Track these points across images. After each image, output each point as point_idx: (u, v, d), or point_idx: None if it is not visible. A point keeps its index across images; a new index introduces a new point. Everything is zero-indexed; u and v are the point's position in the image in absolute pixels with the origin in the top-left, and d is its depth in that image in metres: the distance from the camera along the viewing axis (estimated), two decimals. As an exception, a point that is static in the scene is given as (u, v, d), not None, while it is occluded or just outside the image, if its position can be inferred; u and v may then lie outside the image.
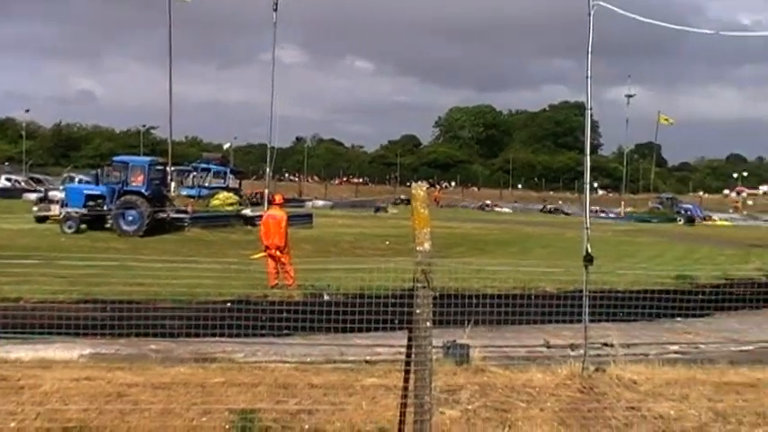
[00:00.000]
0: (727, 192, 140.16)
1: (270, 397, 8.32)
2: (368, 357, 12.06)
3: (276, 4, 45.06)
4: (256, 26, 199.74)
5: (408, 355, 6.59)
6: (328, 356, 12.47)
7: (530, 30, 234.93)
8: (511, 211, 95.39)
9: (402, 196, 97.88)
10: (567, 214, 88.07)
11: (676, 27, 12.95)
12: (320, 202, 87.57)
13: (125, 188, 33.43)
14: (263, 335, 13.66)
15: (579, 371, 9.38)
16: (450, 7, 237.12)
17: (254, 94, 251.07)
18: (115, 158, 38.08)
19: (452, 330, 11.08)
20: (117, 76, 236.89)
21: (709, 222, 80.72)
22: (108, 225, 32.84)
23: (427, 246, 6.41)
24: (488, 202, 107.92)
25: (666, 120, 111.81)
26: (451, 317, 11.80)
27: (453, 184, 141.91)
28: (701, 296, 17.89)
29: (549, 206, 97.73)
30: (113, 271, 15.14)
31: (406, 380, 6.61)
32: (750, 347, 15.17)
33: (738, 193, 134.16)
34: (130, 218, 32.20)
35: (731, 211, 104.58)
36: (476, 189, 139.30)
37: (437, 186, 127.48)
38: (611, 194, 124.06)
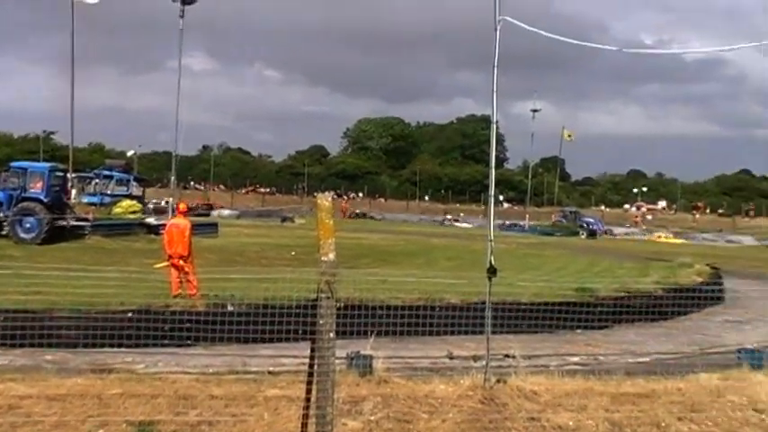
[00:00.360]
0: (627, 206, 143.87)
1: (169, 408, 8.16)
2: (271, 368, 11.93)
3: (182, 11, 44.52)
4: (164, 32, 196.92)
5: (311, 366, 6.55)
6: (231, 367, 12.31)
7: (440, 43, 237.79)
8: (471, 225, 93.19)
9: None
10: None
11: (581, 43, 13.22)
12: (226, 212, 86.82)
13: (23, 195, 32.55)
14: (164, 345, 13.43)
15: (481, 382, 9.46)
16: (360, 19, 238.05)
17: (160, 101, 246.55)
18: (13, 164, 36.87)
19: (357, 341, 11.05)
20: (15, 80, 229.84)
21: (662, 239, 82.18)
22: (4, 232, 31.81)
23: (332, 256, 6.38)
24: (449, 216, 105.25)
25: (569, 136, 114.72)
26: (356, 327, 11.79)
27: (361, 194, 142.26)
28: (600, 308, 18.30)
29: (506, 222, 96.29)
30: (8, 279, 14.65)
31: (309, 391, 6.57)
32: (646, 359, 15.54)
33: (638, 208, 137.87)
34: (28, 225, 31.32)
35: (628, 225, 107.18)
36: (383, 200, 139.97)
37: (344, 197, 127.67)
38: (516, 207, 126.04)
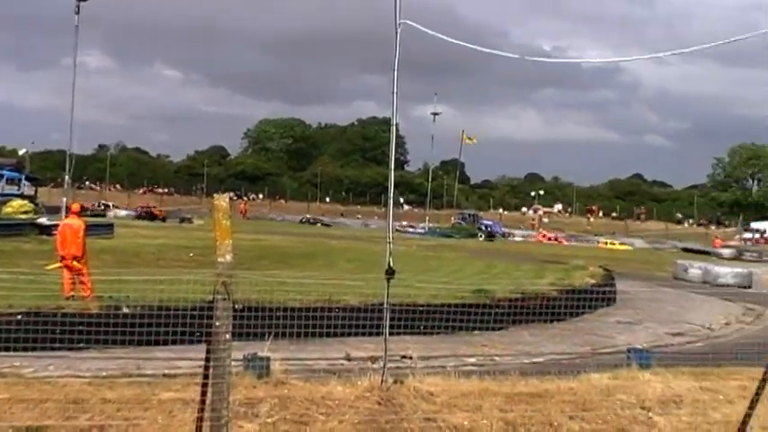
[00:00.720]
0: (525, 209, 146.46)
1: (59, 413, 7.94)
2: (166, 371, 11.76)
3: (78, 7, 43.22)
4: (60, 29, 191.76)
5: (206, 369, 6.47)
6: (125, 370, 12.07)
7: (342, 46, 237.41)
8: (423, 231, 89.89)
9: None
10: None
11: (482, 49, 13.32)
12: (123, 212, 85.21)
13: None
14: (55, 348, 13.06)
15: (378, 383, 9.50)
16: (262, 20, 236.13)
17: (55, 99, 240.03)
18: None
19: (255, 343, 10.97)
20: None
21: (609, 246, 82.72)
22: None
23: (229, 257, 6.32)
24: (404, 222, 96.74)
25: (470, 139, 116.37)
26: (254, 329, 11.69)
27: (261, 196, 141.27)
28: (497, 310, 18.57)
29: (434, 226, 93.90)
30: None
31: (204, 393, 6.48)
32: (541, 359, 15.86)
33: (535, 211, 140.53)
34: None
35: (521, 227, 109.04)
36: (283, 201, 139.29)
37: (244, 198, 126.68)
38: (416, 210, 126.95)
